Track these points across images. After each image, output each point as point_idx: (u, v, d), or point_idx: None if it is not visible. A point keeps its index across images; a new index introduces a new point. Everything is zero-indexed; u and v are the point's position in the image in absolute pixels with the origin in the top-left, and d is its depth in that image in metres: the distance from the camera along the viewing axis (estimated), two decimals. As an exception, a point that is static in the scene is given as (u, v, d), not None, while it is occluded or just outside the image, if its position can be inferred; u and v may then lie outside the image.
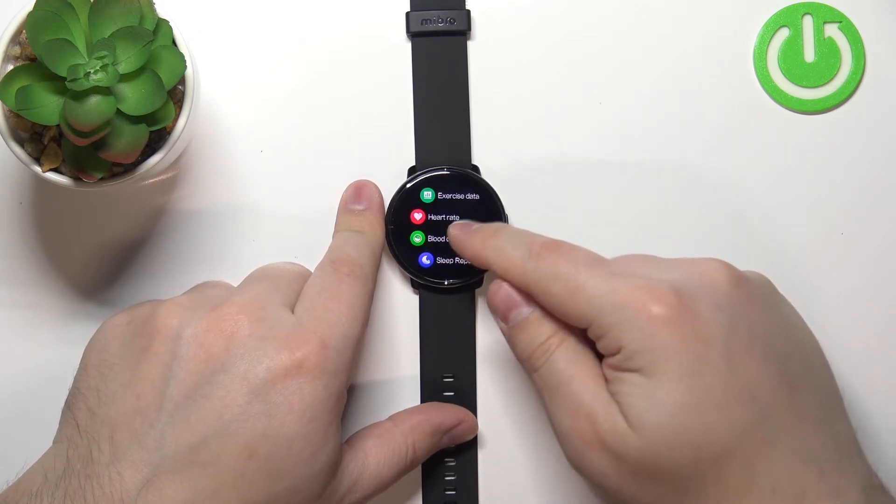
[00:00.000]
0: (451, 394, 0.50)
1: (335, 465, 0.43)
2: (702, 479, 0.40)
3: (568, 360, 0.42)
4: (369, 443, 0.46)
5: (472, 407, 0.51)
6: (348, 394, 0.48)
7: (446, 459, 0.51)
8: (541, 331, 0.43)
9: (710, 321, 0.40)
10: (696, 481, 0.40)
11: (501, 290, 0.44)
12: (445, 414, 0.49)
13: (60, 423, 0.43)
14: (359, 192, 0.50)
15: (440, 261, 0.50)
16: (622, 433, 0.40)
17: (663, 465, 0.40)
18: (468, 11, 0.51)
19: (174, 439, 0.40)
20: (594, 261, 0.42)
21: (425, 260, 0.50)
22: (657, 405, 0.40)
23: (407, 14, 0.51)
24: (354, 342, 0.43)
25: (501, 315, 0.44)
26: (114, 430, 0.41)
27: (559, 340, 0.43)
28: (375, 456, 0.46)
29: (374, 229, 0.49)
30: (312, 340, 0.42)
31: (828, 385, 0.43)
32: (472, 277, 0.50)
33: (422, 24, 0.50)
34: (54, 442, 0.43)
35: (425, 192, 0.49)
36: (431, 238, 0.49)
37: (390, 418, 0.48)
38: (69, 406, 0.43)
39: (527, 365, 0.44)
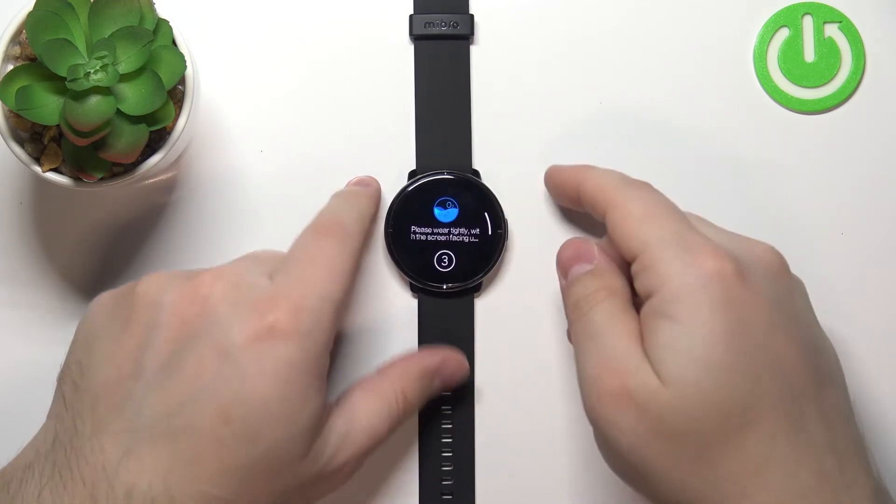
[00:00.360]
0: (449, 397, 0.50)
1: (318, 426, 0.42)
2: (722, 447, 0.40)
3: (609, 314, 0.43)
4: (356, 396, 0.45)
5: (470, 414, 0.51)
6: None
7: (444, 466, 0.51)
8: (593, 283, 0.44)
9: (761, 293, 0.41)
10: (717, 449, 0.40)
11: (571, 246, 0.45)
12: (430, 355, 0.48)
13: (53, 398, 0.44)
14: (359, 179, 0.50)
15: (440, 265, 0.49)
16: (653, 388, 0.40)
17: (688, 426, 0.39)
18: (472, 16, 0.51)
19: (151, 408, 0.40)
20: (679, 211, 0.44)
21: (424, 263, 0.49)
22: (695, 361, 0.40)
23: (410, 17, 0.51)
24: (334, 302, 0.42)
25: (564, 269, 0.45)
26: (95, 402, 0.41)
27: (606, 294, 0.43)
28: (364, 409, 0.45)
29: (366, 197, 0.48)
30: (284, 303, 0.41)
31: (846, 393, 0.44)
32: (470, 282, 0.50)
33: (425, 27, 0.50)
34: (47, 417, 0.44)
35: (437, 209, 0.49)
36: (430, 240, 0.49)
37: (377, 370, 0.47)
38: (58, 381, 0.44)
39: (571, 315, 0.44)
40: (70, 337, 0.51)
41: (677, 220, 0.43)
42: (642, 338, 0.42)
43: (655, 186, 0.51)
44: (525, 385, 0.51)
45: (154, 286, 0.43)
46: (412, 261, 0.49)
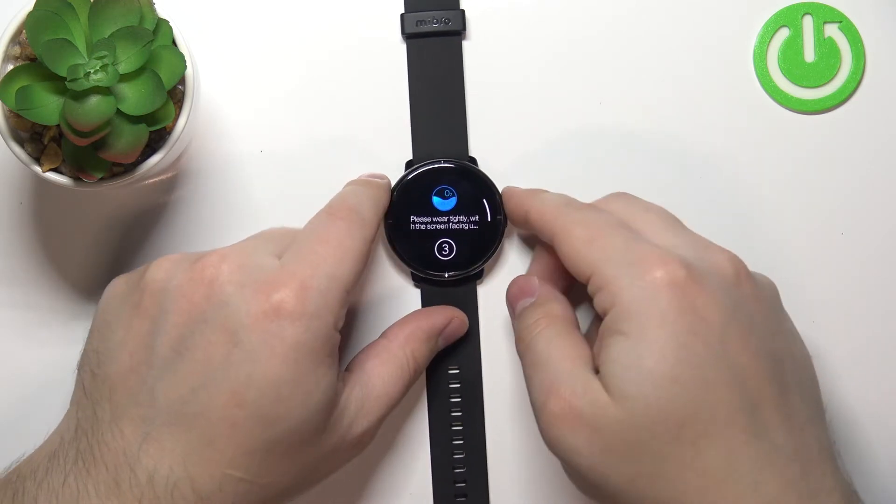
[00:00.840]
0: (458, 385, 0.51)
1: (332, 402, 0.42)
2: (680, 461, 0.39)
3: (549, 339, 0.44)
4: (370, 364, 0.46)
5: (479, 399, 0.51)
6: None
7: (455, 454, 0.51)
8: (534, 314, 0.45)
9: (713, 301, 0.40)
10: (675, 463, 0.39)
11: (515, 284, 0.47)
12: (435, 316, 0.49)
13: (74, 386, 0.45)
14: (371, 174, 0.50)
15: (441, 254, 0.49)
16: (602, 405, 0.40)
17: (642, 440, 0.39)
18: (462, 11, 0.51)
19: (165, 394, 0.41)
20: (623, 225, 0.44)
21: (425, 253, 0.49)
22: (643, 374, 0.39)
23: (402, 16, 0.51)
24: (343, 282, 0.42)
25: (511, 307, 0.47)
26: (112, 390, 0.42)
27: (547, 322, 0.44)
28: (379, 375, 0.45)
29: (379, 187, 0.48)
30: (291, 283, 0.41)
31: (814, 395, 0.43)
32: (472, 269, 0.50)
33: (416, 24, 0.50)
34: (69, 405, 0.44)
35: (435, 198, 0.49)
36: (430, 229, 0.49)
37: (383, 335, 0.48)
38: (78, 368, 0.45)
39: (519, 347, 0.45)
40: (69, 337, 0.51)
41: (621, 236, 0.43)
42: (596, 356, 0.42)
43: (655, 186, 0.51)
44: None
45: (161, 271, 0.43)
46: (413, 251, 0.49)
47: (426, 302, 0.51)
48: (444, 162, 0.50)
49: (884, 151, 0.52)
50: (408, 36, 0.51)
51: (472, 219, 0.49)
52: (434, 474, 0.51)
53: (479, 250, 0.50)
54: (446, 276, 0.50)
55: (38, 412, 0.49)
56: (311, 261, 0.42)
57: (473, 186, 0.49)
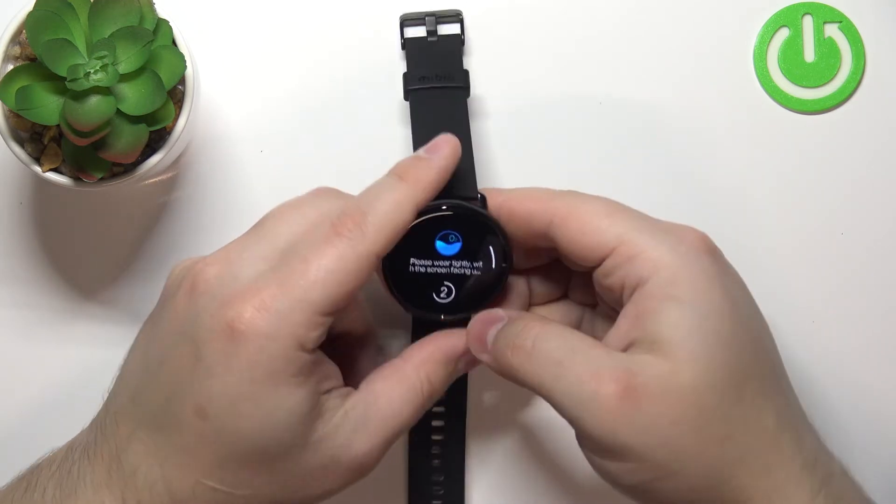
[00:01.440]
0: (441, 409, 0.49)
1: (305, 421, 0.40)
2: (745, 421, 0.39)
3: (559, 336, 0.41)
4: (379, 385, 0.43)
5: (462, 421, 0.50)
6: None
7: (434, 476, 0.50)
8: (518, 324, 0.42)
9: (732, 265, 0.43)
10: (741, 424, 0.39)
11: (475, 325, 0.44)
12: (455, 339, 0.45)
13: None
14: (433, 144, 0.44)
15: (438, 297, 0.46)
16: (666, 374, 0.39)
17: (712, 404, 0.39)
18: (466, 71, 0.48)
19: (147, 400, 0.41)
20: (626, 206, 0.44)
21: (422, 294, 0.45)
22: (709, 336, 0.39)
23: (404, 74, 0.49)
24: (315, 306, 0.40)
25: (479, 341, 0.43)
26: (119, 387, 0.43)
27: (542, 322, 0.42)
28: (387, 396, 0.43)
29: (418, 181, 0.42)
30: (251, 300, 0.39)
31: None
32: (469, 314, 0.45)
33: (420, 80, 0.48)
34: None
35: (439, 243, 0.45)
36: (430, 272, 0.45)
37: (400, 356, 0.45)
38: None
39: (513, 361, 0.41)
40: (70, 337, 0.51)
41: (635, 211, 0.43)
42: (645, 323, 0.40)
43: (655, 186, 0.51)
44: (519, 399, 0.51)
45: (172, 275, 0.43)
46: (409, 291, 0.45)
47: (415, 336, 0.47)
48: (449, 209, 0.44)
49: (884, 151, 0.52)
50: (409, 91, 0.48)
51: (475, 265, 0.45)
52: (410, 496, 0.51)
53: (479, 296, 0.45)
54: (442, 318, 0.46)
55: (39, 412, 0.49)
56: (282, 279, 0.40)
57: (480, 233, 0.45)
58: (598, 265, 0.42)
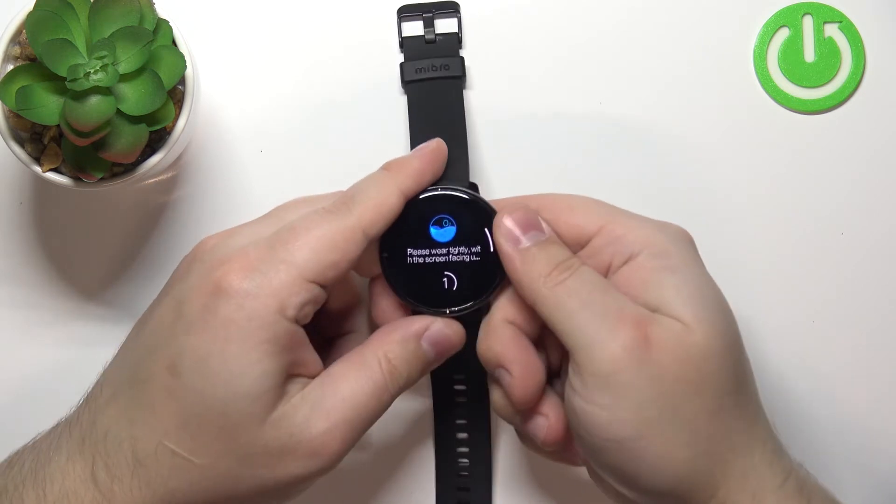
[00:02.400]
0: (463, 388, 0.50)
1: (273, 390, 0.41)
2: (737, 393, 0.40)
3: (594, 275, 0.42)
4: (335, 367, 0.43)
5: (486, 409, 0.50)
6: None
7: (460, 460, 0.50)
8: (563, 251, 0.42)
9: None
10: (733, 396, 0.40)
11: (517, 211, 0.43)
12: (413, 320, 0.45)
13: None
14: (421, 146, 0.46)
15: (441, 289, 0.45)
16: (677, 332, 0.40)
17: (712, 368, 0.40)
18: (462, 58, 0.50)
19: (128, 359, 0.43)
20: None
21: (425, 287, 0.45)
22: (710, 302, 0.41)
23: (401, 65, 0.50)
24: (299, 269, 0.41)
25: (513, 234, 0.43)
26: (112, 358, 0.44)
27: (580, 262, 0.42)
28: (343, 377, 0.42)
29: (401, 168, 0.44)
30: (238, 261, 0.41)
31: None
32: (476, 304, 0.45)
33: (416, 72, 0.49)
34: None
35: (434, 229, 0.45)
36: (429, 262, 0.45)
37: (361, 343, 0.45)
38: None
39: (547, 280, 0.41)
40: (70, 337, 0.51)
41: (608, 203, 0.44)
42: (644, 291, 0.41)
43: (655, 186, 0.52)
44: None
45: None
46: (411, 286, 0.45)
47: None
48: (442, 190, 0.45)
49: (884, 151, 0.52)
50: (407, 82, 0.50)
51: (473, 250, 0.45)
52: (438, 484, 0.51)
53: (482, 283, 0.45)
54: (448, 311, 0.45)
55: (39, 412, 0.49)
56: (271, 243, 0.41)
57: (473, 215, 0.45)
58: (582, 247, 0.43)
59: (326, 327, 0.47)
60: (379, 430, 0.52)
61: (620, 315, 0.40)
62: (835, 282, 0.52)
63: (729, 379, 0.40)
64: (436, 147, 0.45)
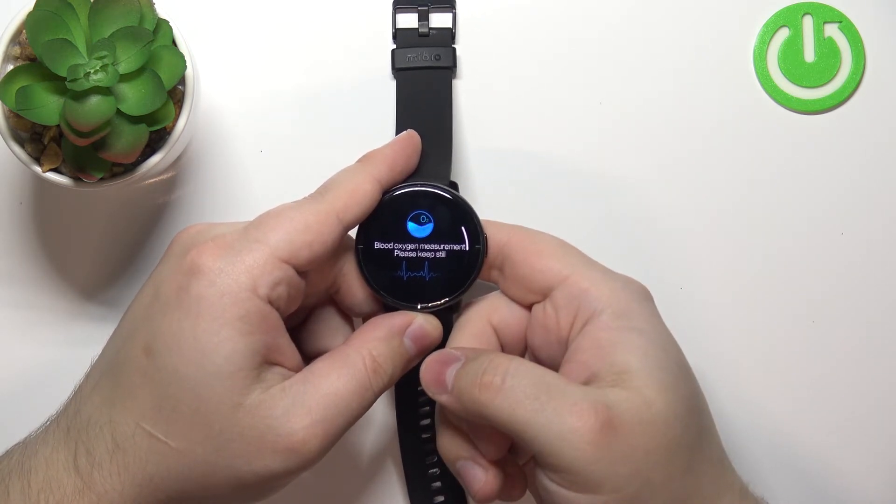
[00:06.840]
0: (427, 408, 0.49)
1: (239, 372, 0.40)
2: (701, 452, 0.41)
3: (530, 371, 0.41)
4: (319, 365, 0.43)
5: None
6: None
7: (430, 471, 0.50)
8: (484, 358, 0.42)
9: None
10: (699, 456, 0.41)
11: (430, 365, 0.43)
12: (397, 317, 0.45)
13: None
14: (395, 138, 0.47)
15: (412, 283, 0.45)
16: (638, 405, 0.40)
17: (680, 432, 0.40)
18: (454, 49, 0.50)
19: (110, 347, 0.43)
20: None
21: (397, 281, 0.45)
22: (673, 365, 0.41)
23: (392, 51, 0.50)
24: (273, 248, 0.41)
25: (438, 384, 0.43)
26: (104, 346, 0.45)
27: (508, 359, 0.41)
28: (327, 375, 0.42)
29: (373, 158, 0.45)
30: (211, 241, 0.41)
31: None
32: (447, 302, 0.45)
33: (408, 60, 0.50)
34: None
35: (410, 224, 0.45)
36: (402, 256, 0.45)
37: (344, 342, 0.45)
38: None
39: (481, 399, 0.41)
40: (70, 337, 0.51)
41: (578, 251, 0.44)
42: (609, 354, 0.41)
43: (654, 186, 0.51)
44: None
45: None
46: (383, 278, 0.45)
47: None
48: (422, 186, 0.45)
49: (884, 151, 0.52)
50: (398, 70, 0.50)
51: (449, 247, 0.45)
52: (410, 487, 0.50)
53: (455, 281, 0.45)
54: (419, 307, 0.45)
55: (39, 412, 0.49)
56: (247, 227, 0.42)
57: (452, 213, 0.45)
58: (544, 297, 0.44)
59: (307, 343, 0.47)
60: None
61: (578, 410, 0.39)
62: (835, 282, 0.52)
63: (694, 435, 0.41)
64: (408, 136, 0.46)
